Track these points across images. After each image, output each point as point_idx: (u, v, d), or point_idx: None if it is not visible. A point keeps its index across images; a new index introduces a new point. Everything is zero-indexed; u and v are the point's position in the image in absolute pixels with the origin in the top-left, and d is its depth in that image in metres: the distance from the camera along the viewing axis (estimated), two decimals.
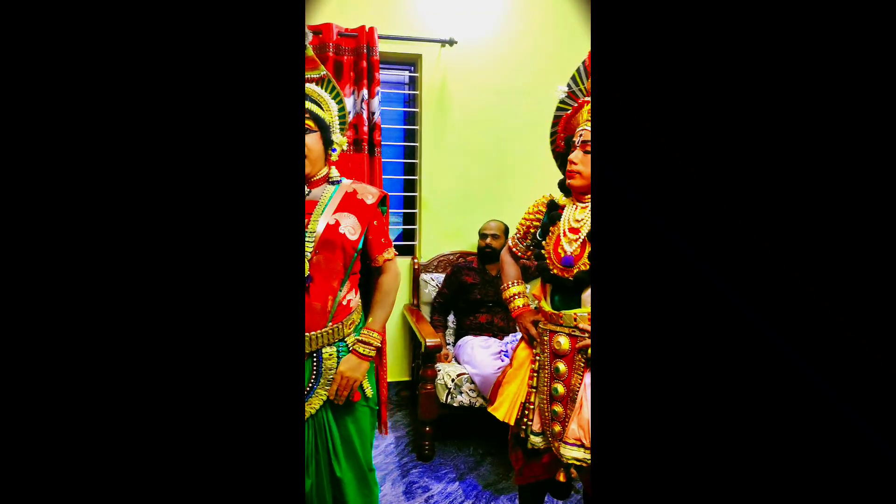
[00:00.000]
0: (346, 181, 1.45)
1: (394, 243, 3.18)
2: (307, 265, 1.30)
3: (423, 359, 2.35)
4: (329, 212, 1.36)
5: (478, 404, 2.32)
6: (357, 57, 2.72)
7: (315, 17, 2.73)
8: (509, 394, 1.72)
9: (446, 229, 3.03)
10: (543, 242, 1.65)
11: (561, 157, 1.73)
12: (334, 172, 1.43)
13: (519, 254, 1.79)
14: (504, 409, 1.71)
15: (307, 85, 1.38)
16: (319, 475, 1.38)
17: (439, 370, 2.42)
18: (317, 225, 1.33)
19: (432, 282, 2.87)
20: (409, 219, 3.14)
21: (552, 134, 1.76)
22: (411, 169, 3.11)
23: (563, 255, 1.53)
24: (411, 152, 3.12)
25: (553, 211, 1.68)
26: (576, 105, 1.63)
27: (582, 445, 1.43)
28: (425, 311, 2.85)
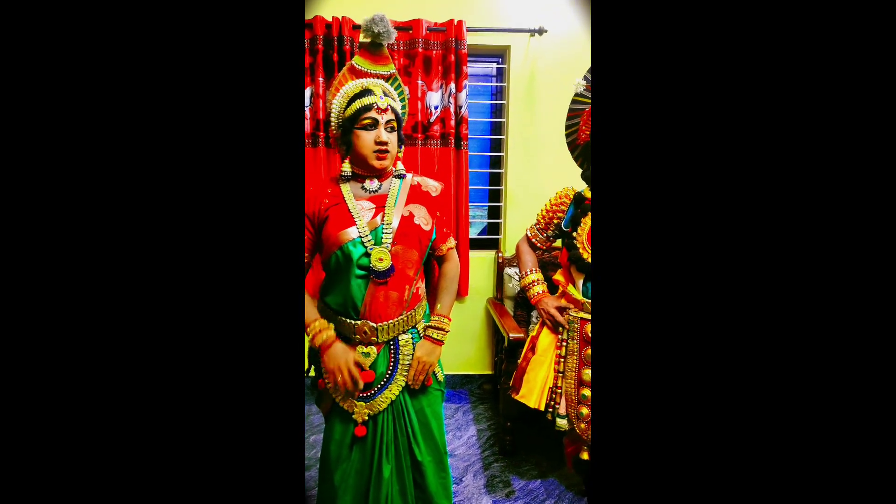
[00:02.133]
0: (408, 175, 1.47)
1: (478, 237, 3.18)
2: (388, 257, 1.33)
3: (506, 353, 2.34)
4: (401, 205, 1.39)
5: None
6: (445, 51, 2.73)
7: (404, 13, 2.77)
8: (538, 381, 1.79)
9: (532, 222, 2.98)
10: (574, 233, 1.73)
11: (581, 149, 1.77)
12: (399, 166, 1.47)
13: (538, 244, 1.88)
14: (535, 396, 1.78)
15: (379, 81, 1.40)
16: (399, 460, 1.42)
17: None
18: (392, 217, 1.36)
19: (516, 276, 2.84)
20: (494, 212, 3.12)
21: (571, 126, 1.80)
22: (497, 162, 3.08)
23: None
24: (497, 145, 3.09)
25: (582, 203, 1.76)
26: None
27: None
28: (509, 306, 2.83)
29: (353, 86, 1.38)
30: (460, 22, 2.70)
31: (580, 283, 1.71)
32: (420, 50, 2.72)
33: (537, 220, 1.89)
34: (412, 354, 1.41)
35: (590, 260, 1.66)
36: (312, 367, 1.48)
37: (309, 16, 2.68)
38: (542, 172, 2.96)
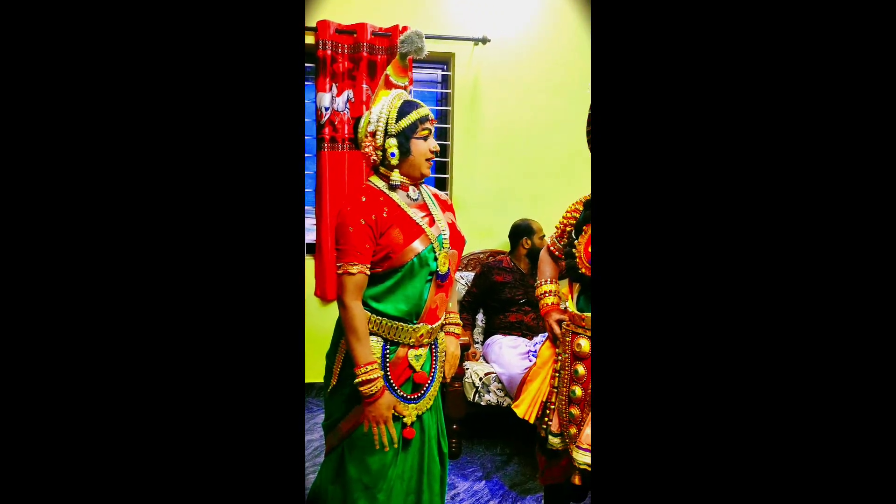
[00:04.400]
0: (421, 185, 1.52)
1: None
2: (447, 263, 1.42)
3: None
4: (439, 212, 1.47)
5: (505, 404, 2.31)
6: (391, 56, 2.74)
7: (349, 17, 2.76)
8: (531, 392, 1.72)
9: (477, 228, 3.03)
10: (576, 242, 1.60)
11: None
12: None
13: (557, 253, 1.75)
14: (524, 407, 1.72)
15: (402, 92, 1.43)
16: (431, 453, 1.48)
17: (467, 368, 2.42)
18: (443, 224, 1.45)
19: (462, 280, 2.87)
20: None
21: (589, 132, 1.69)
22: (442, 167, 3.12)
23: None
24: (443, 151, 3.12)
25: (588, 210, 1.61)
26: None
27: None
28: None
29: (395, 97, 1.40)
30: (405, 28, 2.71)
31: (575, 295, 1.61)
32: (365, 54, 2.71)
33: (556, 227, 1.75)
34: (445, 351, 1.52)
35: (582, 270, 1.56)
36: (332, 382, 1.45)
37: None
38: (487, 177, 3.01)
